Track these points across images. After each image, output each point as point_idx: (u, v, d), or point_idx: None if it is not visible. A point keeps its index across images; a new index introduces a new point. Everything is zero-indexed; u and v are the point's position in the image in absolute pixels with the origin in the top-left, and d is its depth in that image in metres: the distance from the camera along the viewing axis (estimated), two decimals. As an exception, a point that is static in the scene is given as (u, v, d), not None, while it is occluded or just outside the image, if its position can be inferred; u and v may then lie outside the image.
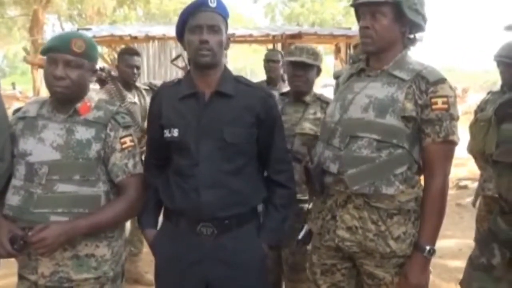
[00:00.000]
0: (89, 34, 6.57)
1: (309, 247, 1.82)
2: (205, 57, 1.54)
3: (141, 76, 3.53)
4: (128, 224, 1.92)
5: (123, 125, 1.67)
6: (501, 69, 2.92)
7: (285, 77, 4.08)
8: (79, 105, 1.64)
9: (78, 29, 9.89)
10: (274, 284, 2.44)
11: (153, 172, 1.71)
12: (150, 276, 2.82)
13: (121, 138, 1.65)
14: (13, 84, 23.27)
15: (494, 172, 1.32)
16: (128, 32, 8.49)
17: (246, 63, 33.00)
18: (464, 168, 6.85)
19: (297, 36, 8.73)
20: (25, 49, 18.58)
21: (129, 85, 3.25)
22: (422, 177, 1.61)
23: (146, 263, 3.31)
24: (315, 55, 2.30)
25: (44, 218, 1.53)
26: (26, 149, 1.60)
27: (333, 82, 3.66)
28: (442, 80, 1.53)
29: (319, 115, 2.25)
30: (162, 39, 8.15)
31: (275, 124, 1.68)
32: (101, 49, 10.21)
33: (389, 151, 1.52)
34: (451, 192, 5.68)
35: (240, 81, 1.66)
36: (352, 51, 6.46)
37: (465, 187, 6.30)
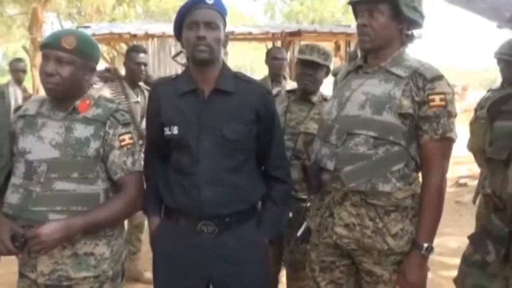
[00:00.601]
0: (88, 32, 6.57)
1: (308, 246, 1.82)
2: (202, 53, 1.54)
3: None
4: (126, 224, 1.92)
5: (123, 123, 1.66)
6: (502, 67, 2.92)
7: (287, 75, 4.09)
8: (78, 103, 1.63)
9: (77, 27, 9.86)
10: (271, 282, 2.45)
11: (154, 169, 1.70)
12: (150, 274, 2.81)
13: (120, 135, 1.64)
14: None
15: (488, 170, 1.32)
16: (128, 30, 8.47)
17: (246, 60, 33.00)
18: (463, 166, 6.86)
19: (297, 34, 8.72)
20: (24, 48, 18.56)
21: (134, 84, 3.27)
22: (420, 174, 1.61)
23: (145, 261, 3.31)
24: (326, 55, 2.29)
25: (42, 216, 1.53)
26: (25, 147, 1.60)
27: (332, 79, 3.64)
28: (440, 77, 1.53)
29: None
30: (162, 37, 8.14)
31: (274, 120, 1.69)
32: (100, 47, 10.18)
33: (385, 148, 1.52)
34: (450, 189, 5.71)
35: (239, 78, 1.66)
36: (352, 48, 6.46)
37: (465, 184, 6.31)
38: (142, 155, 1.80)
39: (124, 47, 10.81)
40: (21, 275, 1.67)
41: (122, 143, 1.64)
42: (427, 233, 1.54)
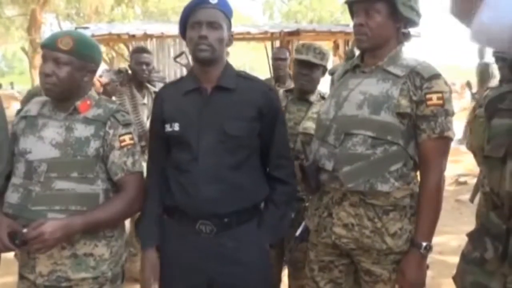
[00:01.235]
0: (87, 32, 6.55)
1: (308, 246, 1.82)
2: (204, 52, 1.54)
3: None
4: (127, 225, 1.91)
5: (123, 123, 1.66)
6: (500, 65, 2.93)
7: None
8: (78, 103, 1.64)
9: (76, 28, 9.86)
10: (274, 282, 2.45)
11: (157, 167, 1.68)
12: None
13: (120, 136, 1.64)
14: (12, 84, 23.28)
15: (485, 167, 1.32)
16: (126, 31, 8.45)
17: (245, 60, 33.03)
18: (462, 164, 6.86)
19: (296, 33, 8.71)
20: (23, 49, 18.57)
21: (141, 85, 3.30)
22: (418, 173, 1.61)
23: (145, 262, 3.31)
24: (322, 54, 2.29)
25: (41, 216, 1.53)
26: (26, 148, 1.61)
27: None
28: (437, 76, 1.53)
29: None
30: (160, 37, 8.13)
31: (277, 118, 1.67)
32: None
33: (384, 148, 1.52)
34: (450, 188, 5.71)
35: (241, 76, 1.66)
36: (349, 47, 6.44)
37: (465, 183, 6.30)
38: (145, 156, 1.80)
39: (123, 47, 10.81)
40: (21, 276, 1.67)
41: (122, 144, 1.64)
42: (426, 232, 1.54)
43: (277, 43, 8.94)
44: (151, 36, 8.13)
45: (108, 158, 1.63)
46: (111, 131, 1.63)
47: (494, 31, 0.92)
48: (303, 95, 2.33)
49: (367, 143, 1.53)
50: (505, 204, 1.24)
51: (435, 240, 1.57)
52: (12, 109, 13.05)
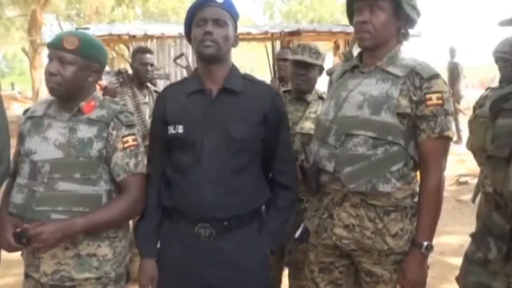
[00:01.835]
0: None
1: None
2: (209, 48, 1.52)
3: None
4: (130, 225, 1.91)
5: (126, 124, 1.66)
6: (500, 65, 2.92)
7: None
8: (83, 104, 1.64)
9: (76, 29, 9.87)
10: (274, 283, 2.45)
11: (157, 172, 1.67)
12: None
13: (123, 137, 1.64)
14: (12, 85, 23.31)
15: (489, 167, 1.32)
16: (127, 31, 8.45)
17: (246, 60, 32.99)
18: (464, 164, 6.86)
19: (296, 33, 8.70)
20: (23, 50, 18.58)
21: (142, 85, 3.32)
22: (418, 173, 1.61)
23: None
24: (318, 54, 2.29)
25: (45, 216, 1.53)
26: (31, 148, 1.62)
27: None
28: (436, 76, 1.53)
29: None
30: (161, 37, 8.13)
31: (281, 123, 1.66)
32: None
33: (384, 148, 1.52)
34: (451, 188, 5.71)
35: (247, 79, 1.64)
36: (348, 48, 6.43)
37: (466, 183, 6.30)
38: None
39: (123, 48, 10.81)
40: (27, 275, 1.68)
41: (125, 145, 1.64)
42: (427, 232, 1.54)
43: (277, 43, 8.92)
44: (151, 37, 8.13)
45: (111, 159, 1.63)
46: (114, 132, 1.63)
47: None
48: (300, 95, 2.34)
49: (368, 144, 1.53)
50: (508, 204, 1.24)
51: (436, 240, 1.57)
52: (12, 109, 13.07)
